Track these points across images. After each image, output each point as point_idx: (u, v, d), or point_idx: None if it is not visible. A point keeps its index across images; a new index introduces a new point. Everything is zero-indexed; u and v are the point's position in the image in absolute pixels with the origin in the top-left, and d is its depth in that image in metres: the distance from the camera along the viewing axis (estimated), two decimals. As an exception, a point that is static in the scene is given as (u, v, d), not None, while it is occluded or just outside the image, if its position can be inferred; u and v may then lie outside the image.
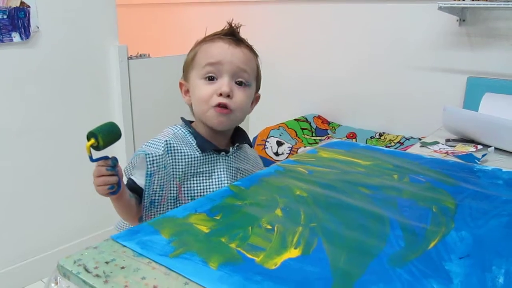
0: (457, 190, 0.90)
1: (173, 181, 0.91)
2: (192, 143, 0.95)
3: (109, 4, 1.96)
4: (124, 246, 0.64)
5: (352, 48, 2.22)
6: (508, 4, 1.59)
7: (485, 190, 0.90)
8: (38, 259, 1.89)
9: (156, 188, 0.88)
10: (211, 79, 0.92)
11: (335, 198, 0.83)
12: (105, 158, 0.81)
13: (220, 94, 0.91)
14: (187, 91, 1.00)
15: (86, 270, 0.59)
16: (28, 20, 1.70)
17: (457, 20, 1.88)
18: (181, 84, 1.02)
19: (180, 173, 0.91)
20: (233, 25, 0.97)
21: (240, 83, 0.94)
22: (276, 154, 2.00)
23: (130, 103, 2.08)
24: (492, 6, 1.67)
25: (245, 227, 0.70)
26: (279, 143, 2.02)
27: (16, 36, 1.67)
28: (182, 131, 0.97)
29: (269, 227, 0.70)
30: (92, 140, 0.76)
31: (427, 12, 1.92)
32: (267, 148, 2.02)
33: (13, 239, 1.81)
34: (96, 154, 0.78)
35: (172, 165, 0.91)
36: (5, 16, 1.62)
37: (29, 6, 1.69)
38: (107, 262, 0.60)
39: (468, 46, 1.91)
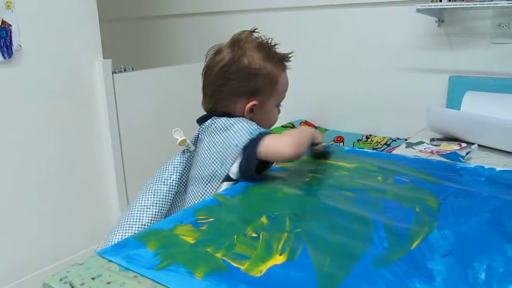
0: (440, 189, 0.91)
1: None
2: None
3: (91, 19, 1.96)
4: (110, 261, 0.64)
5: (335, 53, 2.24)
6: (483, 4, 1.62)
7: (468, 188, 0.91)
8: (25, 280, 1.86)
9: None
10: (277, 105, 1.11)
11: (319, 202, 0.84)
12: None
13: None
14: (251, 109, 1.05)
15: (72, 287, 0.59)
16: (10, 39, 1.70)
17: (436, 21, 1.91)
18: (253, 104, 1.04)
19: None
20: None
21: None
22: (265, 161, 2.00)
23: (117, 117, 2.07)
24: (468, 6, 1.69)
25: (230, 236, 0.70)
26: (267, 150, 2.02)
27: (-2, 56, 1.67)
28: None
29: (254, 235, 0.71)
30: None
31: (406, 14, 1.94)
32: (255, 155, 2.02)
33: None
34: None
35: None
36: (-14, 36, 1.62)
37: (10, 25, 1.69)
38: (93, 278, 0.61)
39: (448, 46, 1.93)
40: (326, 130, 2.29)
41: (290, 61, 1.11)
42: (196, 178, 1.00)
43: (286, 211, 0.80)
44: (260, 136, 0.93)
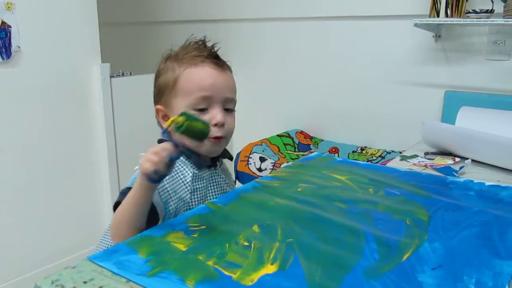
0: (430, 202, 0.92)
1: (182, 200, 0.90)
2: (185, 162, 0.93)
3: (91, 22, 1.97)
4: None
5: (332, 64, 2.25)
6: (480, 21, 1.64)
7: (457, 202, 0.92)
8: (16, 282, 1.85)
9: (171, 209, 0.87)
10: (201, 109, 0.91)
11: (311, 213, 0.85)
12: (176, 145, 0.74)
13: (215, 125, 0.90)
14: (165, 116, 0.95)
15: (63, 291, 0.59)
16: (9, 40, 1.70)
17: (433, 36, 1.93)
18: (158, 110, 0.96)
19: (187, 190, 0.91)
20: (205, 41, 0.95)
21: (228, 110, 0.94)
22: (259, 170, 2.01)
23: (113, 121, 2.08)
24: (465, 23, 1.72)
25: (222, 244, 0.71)
26: (262, 159, 2.03)
27: (-3, 56, 1.67)
28: None
29: (246, 243, 0.71)
30: (181, 118, 0.72)
31: (404, 28, 1.95)
32: (250, 164, 2.03)
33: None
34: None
35: (179, 183, 0.91)
36: (-14, 37, 1.63)
37: (10, 26, 1.69)
38: (85, 282, 0.61)
39: (444, 61, 1.95)
40: (322, 140, 2.30)
41: (214, 55, 0.94)
42: None
43: (278, 220, 0.80)
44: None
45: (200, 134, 0.75)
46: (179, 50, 0.96)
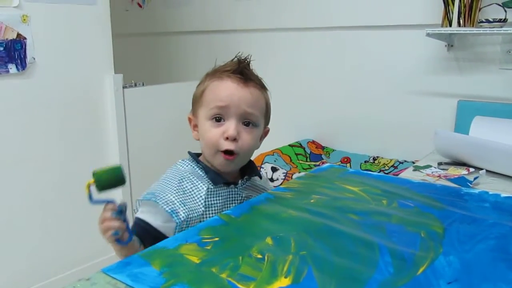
0: (444, 214, 0.91)
1: (194, 211, 0.91)
2: (203, 177, 0.95)
3: (104, 34, 1.99)
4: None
5: (344, 74, 2.25)
6: (493, 30, 1.63)
7: (472, 214, 0.91)
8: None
9: (182, 217, 0.89)
10: (218, 120, 0.93)
11: (324, 225, 0.84)
12: (109, 201, 0.76)
13: (227, 138, 0.92)
14: (195, 126, 1.00)
15: (78, 303, 0.59)
16: (25, 51, 1.73)
17: (446, 46, 1.92)
18: (190, 119, 1.02)
19: (201, 204, 0.92)
20: (242, 59, 0.97)
21: (247, 124, 0.95)
22: (271, 180, 2.01)
23: (126, 131, 2.09)
24: (478, 32, 1.71)
25: (235, 257, 0.70)
26: (274, 169, 2.03)
27: (12, 68, 1.70)
28: (191, 166, 0.98)
29: (259, 256, 0.71)
30: (91, 180, 0.73)
31: (416, 38, 1.95)
32: (262, 174, 2.02)
33: (4, 270, 1.79)
34: (99, 196, 0.75)
35: (191, 196, 0.92)
36: (1, 48, 1.65)
37: (25, 38, 1.72)
38: (98, 294, 0.61)
39: (457, 70, 1.94)
40: (334, 150, 2.29)
41: (239, 71, 0.96)
42: None
43: (291, 232, 0.80)
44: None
45: (118, 178, 0.75)
46: (220, 65, 0.99)
